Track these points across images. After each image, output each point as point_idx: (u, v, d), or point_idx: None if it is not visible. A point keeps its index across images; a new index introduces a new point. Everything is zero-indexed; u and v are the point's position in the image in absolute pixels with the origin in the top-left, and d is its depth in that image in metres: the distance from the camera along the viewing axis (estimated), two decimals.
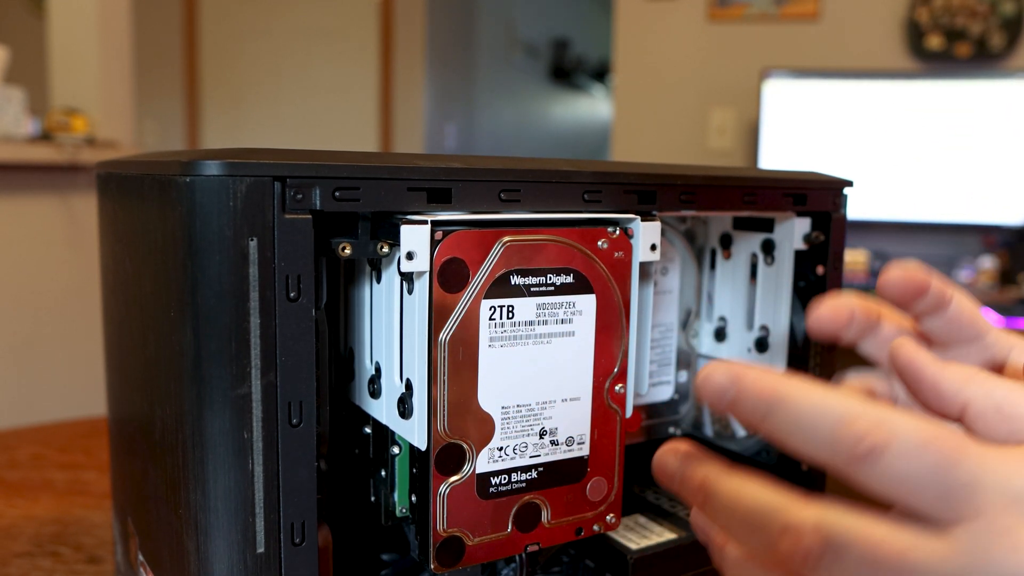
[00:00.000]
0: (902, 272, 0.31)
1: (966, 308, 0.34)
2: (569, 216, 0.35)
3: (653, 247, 0.37)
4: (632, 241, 0.36)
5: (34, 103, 1.97)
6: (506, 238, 0.33)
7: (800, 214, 0.44)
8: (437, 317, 0.32)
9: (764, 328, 0.47)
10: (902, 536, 0.23)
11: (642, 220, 0.36)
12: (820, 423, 0.24)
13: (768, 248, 0.47)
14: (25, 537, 0.57)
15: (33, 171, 1.86)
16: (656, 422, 0.52)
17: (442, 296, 0.32)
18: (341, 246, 0.32)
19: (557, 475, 0.36)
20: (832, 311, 0.33)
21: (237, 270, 0.29)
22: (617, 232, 0.36)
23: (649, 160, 0.40)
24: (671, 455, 0.27)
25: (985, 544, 0.22)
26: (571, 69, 4.47)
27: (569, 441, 0.36)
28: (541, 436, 0.35)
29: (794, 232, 0.45)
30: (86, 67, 2.00)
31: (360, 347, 0.37)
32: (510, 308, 0.34)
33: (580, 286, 0.35)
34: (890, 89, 1.98)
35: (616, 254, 0.36)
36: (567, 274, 0.35)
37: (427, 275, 0.32)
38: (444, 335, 0.32)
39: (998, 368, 0.35)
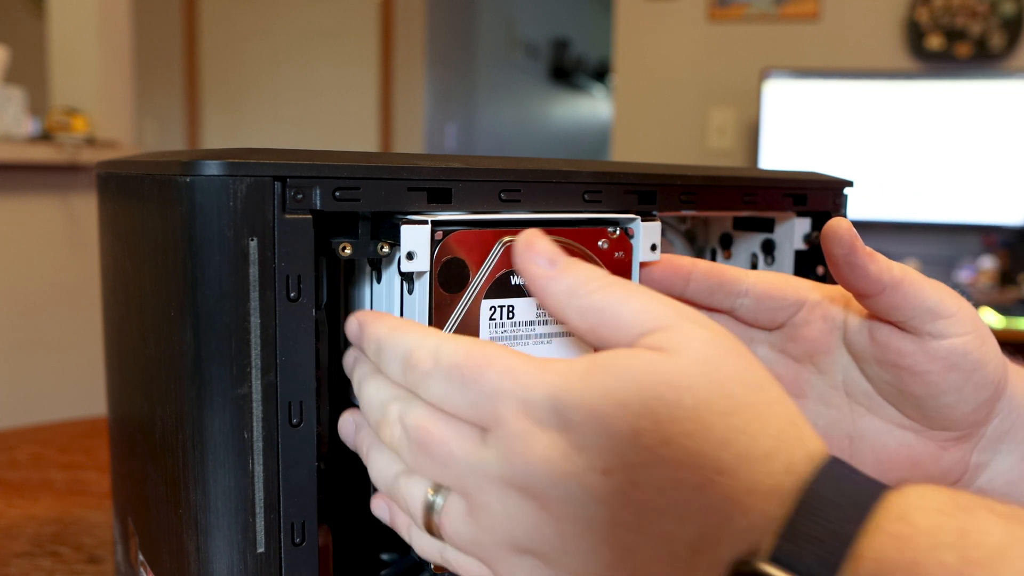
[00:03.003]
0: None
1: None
2: (569, 216, 0.35)
3: (653, 247, 0.37)
4: (632, 241, 0.36)
5: (34, 103, 1.97)
6: (506, 238, 0.33)
7: (800, 214, 0.44)
8: (437, 317, 0.32)
9: None
10: (464, 442, 0.26)
11: (642, 220, 0.36)
12: (396, 354, 0.28)
13: (768, 248, 0.46)
14: (25, 537, 0.57)
15: (33, 171, 1.86)
16: None
17: (442, 296, 0.32)
18: (341, 246, 0.32)
19: None
20: (669, 268, 0.37)
21: (237, 270, 0.29)
22: (617, 232, 0.36)
23: (649, 160, 0.40)
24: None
25: (506, 447, 0.25)
26: (571, 69, 4.47)
27: None
28: None
29: (794, 232, 0.45)
30: (86, 67, 2.00)
31: None
32: (510, 308, 0.34)
33: None
34: (890, 89, 1.98)
35: (616, 254, 0.36)
36: None
37: (427, 275, 0.32)
38: None
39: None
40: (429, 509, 0.28)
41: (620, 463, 0.24)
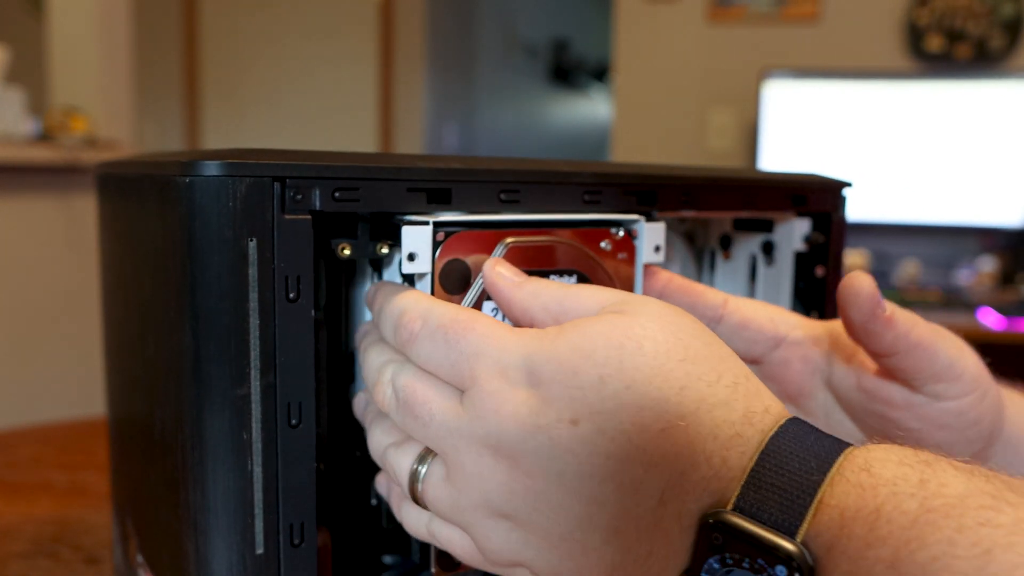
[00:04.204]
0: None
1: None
2: (573, 217, 0.35)
3: (657, 248, 0.37)
4: (636, 242, 0.36)
5: (34, 103, 1.97)
6: (509, 239, 0.33)
7: (800, 215, 0.44)
8: None
9: None
10: (444, 402, 0.28)
11: (646, 221, 0.36)
12: (392, 315, 0.30)
13: (768, 249, 0.46)
14: (24, 537, 0.57)
15: (33, 172, 1.86)
16: None
17: (444, 298, 0.32)
18: (341, 247, 0.32)
19: None
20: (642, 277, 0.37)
21: (236, 271, 0.29)
22: (621, 233, 0.35)
23: (649, 161, 0.40)
24: None
25: (479, 405, 0.27)
26: (571, 70, 4.47)
27: None
28: None
29: (794, 233, 0.45)
30: (86, 67, 2.00)
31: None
32: None
33: None
34: (890, 90, 1.98)
35: (619, 255, 0.36)
36: (570, 275, 0.35)
37: (428, 276, 0.32)
38: None
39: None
40: (414, 478, 0.29)
41: (587, 411, 0.25)
